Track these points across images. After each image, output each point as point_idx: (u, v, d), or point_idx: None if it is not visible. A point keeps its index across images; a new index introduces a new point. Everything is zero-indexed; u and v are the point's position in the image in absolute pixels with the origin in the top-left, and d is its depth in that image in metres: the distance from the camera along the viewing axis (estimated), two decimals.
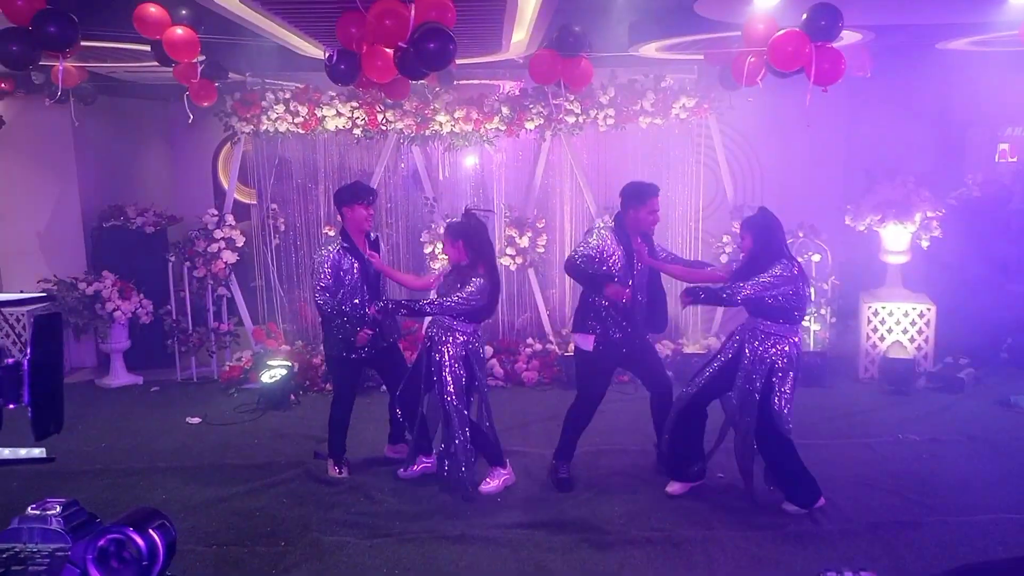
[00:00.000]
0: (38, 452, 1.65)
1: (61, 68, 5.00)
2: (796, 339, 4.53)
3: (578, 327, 4.96)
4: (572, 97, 7.13)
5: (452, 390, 4.73)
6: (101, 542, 1.25)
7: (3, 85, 7.50)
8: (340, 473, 5.18)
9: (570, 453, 5.07)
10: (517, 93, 7.56)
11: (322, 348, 5.80)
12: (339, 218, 5.27)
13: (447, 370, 4.72)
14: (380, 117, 7.26)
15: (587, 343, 4.87)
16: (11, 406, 1.30)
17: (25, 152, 7.89)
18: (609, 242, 4.80)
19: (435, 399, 4.83)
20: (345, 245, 4.99)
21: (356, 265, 4.98)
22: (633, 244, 4.85)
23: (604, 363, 4.95)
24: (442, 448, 4.92)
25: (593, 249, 4.79)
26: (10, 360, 1.28)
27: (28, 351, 1.29)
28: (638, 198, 4.84)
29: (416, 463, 5.16)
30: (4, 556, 1.26)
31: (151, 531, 1.29)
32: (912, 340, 7.14)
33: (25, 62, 4.49)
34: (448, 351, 4.73)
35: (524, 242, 7.52)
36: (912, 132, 7.81)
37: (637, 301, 4.86)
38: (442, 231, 4.98)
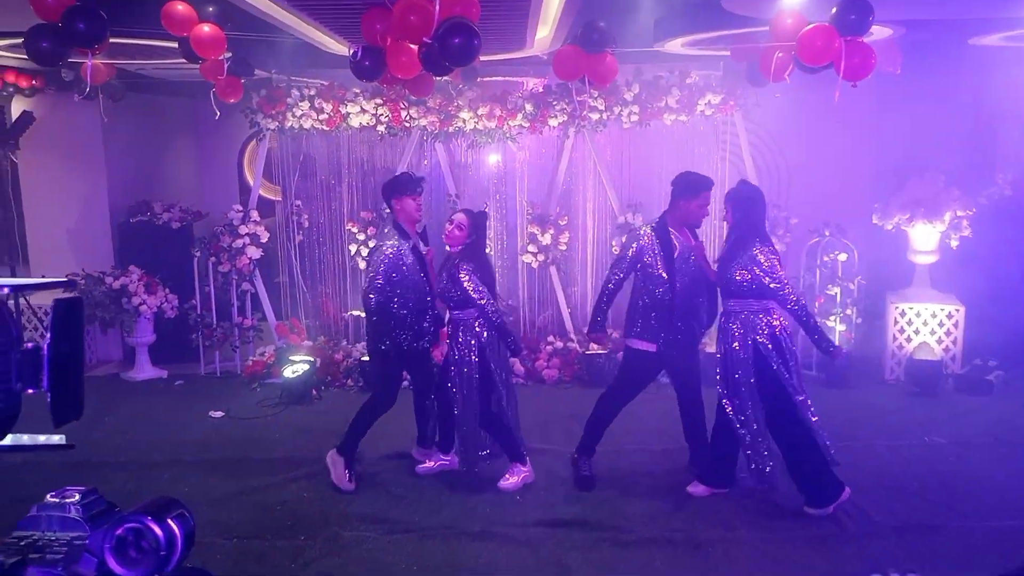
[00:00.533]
0: (58, 439, 1.65)
1: (90, 65, 5.06)
2: (774, 311, 4.47)
3: (636, 332, 4.84)
4: (596, 94, 7.09)
5: (458, 379, 4.80)
6: (119, 531, 1.24)
7: (34, 82, 7.63)
8: (350, 483, 4.96)
9: (592, 449, 5.04)
10: (541, 90, 7.54)
11: (365, 344, 5.73)
12: (387, 211, 5.23)
13: (457, 360, 4.80)
14: (404, 114, 7.28)
15: (649, 346, 4.79)
16: (30, 391, 1.30)
17: (55, 148, 8.01)
18: (646, 242, 4.76)
19: (457, 393, 4.86)
20: (403, 241, 4.86)
21: (413, 261, 4.84)
22: (683, 238, 4.77)
23: (655, 365, 4.91)
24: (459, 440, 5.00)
25: (627, 255, 4.80)
26: (30, 344, 1.27)
27: (48, 335, 1.29)
28: (692, 190, 4.76)
29: (435, 460, 5.16)
30: (22, 544, 1.26)
31: (169, 521, 1.28)
32: (940, 341, 7.03)
33: (55, 59, 4.56)
34: (464, 342, 4.80)
35: (546, 239, 7.49)
36: (943, 130, 7.67)
37: (689, 299, 4.74)
38: (458, 214, 4.95)
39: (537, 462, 5.08)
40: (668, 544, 4.17)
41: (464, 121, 7.31)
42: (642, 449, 5.46)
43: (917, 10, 5.49)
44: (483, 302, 4.73)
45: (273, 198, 8.55)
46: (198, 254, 7.55)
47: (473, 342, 4.80)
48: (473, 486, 4.92)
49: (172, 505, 1.32)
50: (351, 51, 4.95)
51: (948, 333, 7.02)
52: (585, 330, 5.19)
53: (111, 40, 4.78)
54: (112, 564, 1.24)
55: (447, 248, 4.93)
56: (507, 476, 4.91)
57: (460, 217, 4.88)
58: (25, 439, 1.56)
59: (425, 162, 7.82)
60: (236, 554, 4.16)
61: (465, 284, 4.70)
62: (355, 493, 4.90)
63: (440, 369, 5.12)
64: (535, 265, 7.62)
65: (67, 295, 1.46)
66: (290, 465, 5.34)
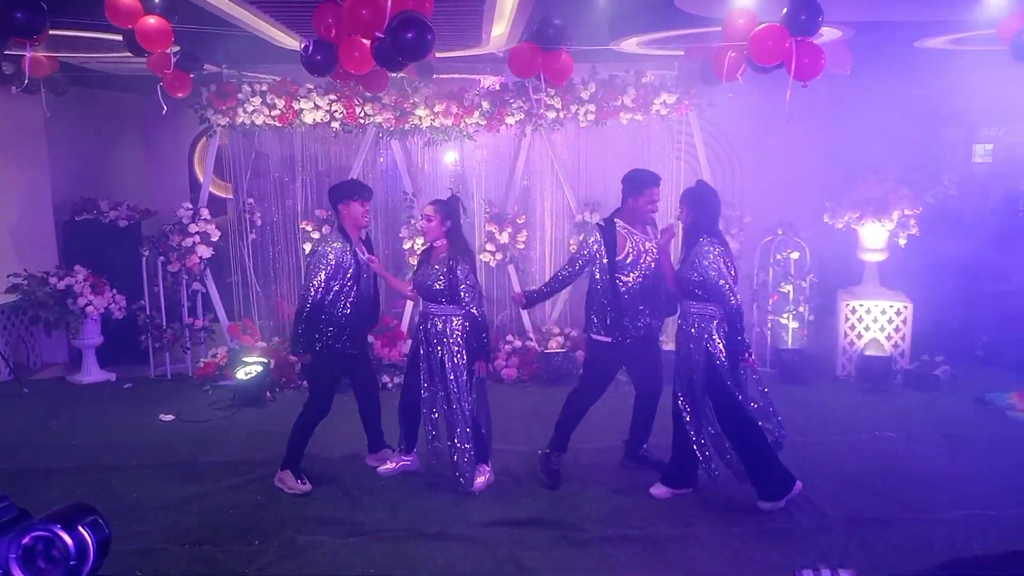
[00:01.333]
0: None
1: (29, 56, 4.87)
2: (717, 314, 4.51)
3: (594, 328, 4.87)
4: (553, 92, 7.08)
5: (456, 381, 4.71)
6: (26, 540, 1.17)
7: None
8: (304, 484, 4.88)
9: (564, 446, 5.04)
10: (498, 88, 7.51)
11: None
12: (330, 214, 5.18)
13: (452, 361, 4.72)
14: (358, 110, 7.18)
15: (606, 339, 4.82)
16: None
17: None
18: (592, 240, 4.82)
19: (435, 393, 4.79)
20: (345, 244, 4.81)
21: (353, 266, 4.81)
22: (639, 235, 4.81)
23: (616, 357, 4.94)
24: (435, 443, 4.88)
25: (583, 253, 4.86)
26: None
27: None
28: (637, 187, 4.81)
29: (396, 461, 5.10)
30: None
31: (81, 528, 1.20)
32: (889, 338, 7.18)
33: None
34: (450, 340, 4.73)
35: (504, 238, 7.47)
36: (891, 130, 7.85)
37: (645, 296, 4.80)
38: (425, 208, 4.92)
39: (496, 461, 5.05)
40: (626, 541, 4.18)
41: (420, 118, 7.25)
42: (599, 449, 5.45)
43: (865, 12, 5.59)
44: (474, 311, 4.72)
45: (224, 196, 8.36)
46: (147, 253, 7.34)
47: (461, 340, 4.74)
48: (430, 487, 4.87)
49: (85, 511, 1.24)
50: (302, 45, 4.86)
51: (897, 330, 7.18)
52: (523, 303, 5.19)
53: (52, 32, 4.63)
54: (17, 575, 1.16)
55: (424, 242, 4.95)
56: (476, 477, 4.85)
57: (427, 209, 4.87)
58: None
59: (381, 159, 7.74)
60: (188, 560, 4.06)
61: (462, 287, 4.66)
62: (311, 496, 4.81)
63: (408, 367, 5.04)
64: (493, 264, 7.59)
65: None
66: (243, 468, 5.23)
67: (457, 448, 4.73)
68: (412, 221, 7.40)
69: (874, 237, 7.22)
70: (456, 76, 8.01)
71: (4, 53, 4.73)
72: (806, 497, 4.60)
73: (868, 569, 3.90)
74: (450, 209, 4.83)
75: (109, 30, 5.13)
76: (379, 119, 7.23)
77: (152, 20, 4.96)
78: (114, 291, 7.31)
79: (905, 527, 4.32)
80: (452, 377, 4.71)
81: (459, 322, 4.74)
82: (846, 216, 7.14)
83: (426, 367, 4.81)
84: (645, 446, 5.19)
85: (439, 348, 4.75)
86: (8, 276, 7.08)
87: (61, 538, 1.16)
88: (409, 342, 5.89)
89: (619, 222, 4.82)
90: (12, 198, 7.80)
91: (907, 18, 5.76)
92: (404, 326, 7.49)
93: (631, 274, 4.75)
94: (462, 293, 4.68)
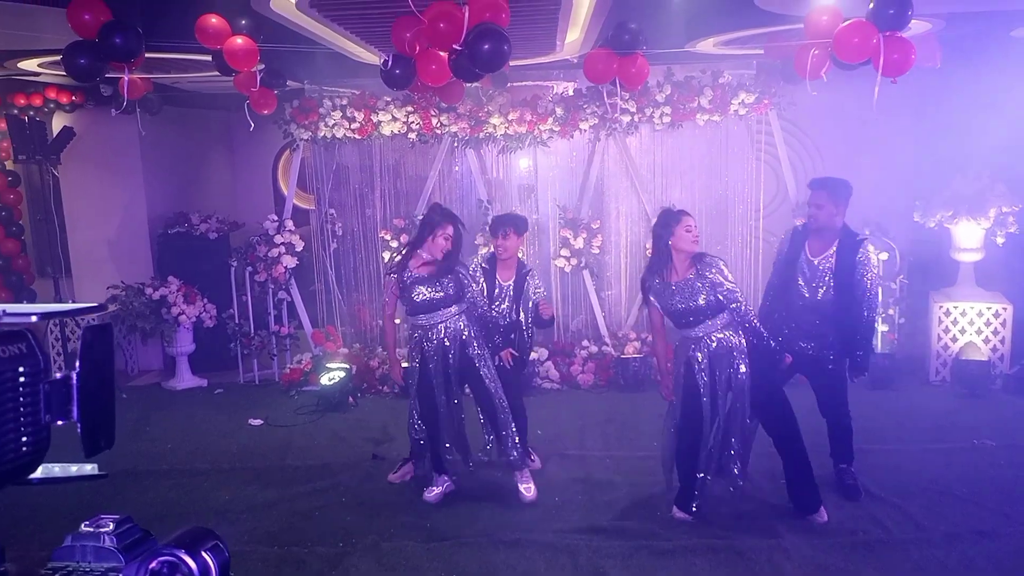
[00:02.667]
0: (90, 468, 1.61)
1: (127, 79, 5.13)
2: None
3: None
4: (627, 96, 7.03)
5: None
6: (153, 564, 1.22)
7: (74, 98, 7.80)
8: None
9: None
10: (571, 94, 7.50)
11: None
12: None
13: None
14: (435, 121, 7.30)
15: None
16: (60, 422, 1.27)
17: (94, 162, 8.17)
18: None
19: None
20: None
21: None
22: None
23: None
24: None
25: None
26: (59, 374, 1.25)
27: (77, 364, 1.26)
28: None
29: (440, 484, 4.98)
30: (57, 575, 1.25)
31: (204, 553, 1.25)
32: (987, 341, 6.84)
33: (93, 74, 4.64)
34: (480, 343, 4.78)
35: (579, 243, 7.45)
36: (985, 125, 7.47)
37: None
38: (505, 230, 5.00)
39: (573, 468, 5.04)
40: (709, 551, 4.09)
41: (495, 127, 7.30)
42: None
43: (958, 3, 5.35)
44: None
45: (307, 207, 8.62)
46: (235, 264, 7.64)
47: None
48: (507, 495, 4.88)
49: (207, 536, 1.29)
50: (382, 60, 4.97)
51: (995, 332, 6.83)
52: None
53: (147, 55, 4.86)
54: None
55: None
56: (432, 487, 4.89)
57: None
58: (56, 470, 1.54)
59: (456, 168, 7.83)
60: (276, 561, 4.18)
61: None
62: (391, 499, 4.90)
63: (429, 379, 4.92)
64: (568, 269, 7.57)
65: (96, 322, 1.40)
66: (328, 472, 5.36)
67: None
68: (487, 228, 7.44)
69: (969, 236, 6.89)
70: (529, 83, 8.04)
71: (104, 76, 4.98)
72: (900, 508, 4.42)
73: None
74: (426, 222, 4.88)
75: (199, 51, 5.36)
76: (454, 129, 7.32)
77: (239, 40, 5.15)
78: (205, 300, 7.62)
79: (1007, 541, 4.09)
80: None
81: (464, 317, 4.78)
82: (938, 215, 6.84)
83: (457, 375, 4.82)
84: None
85: (472, 349, 4.75)
86: (108, 288, 7.46)
87: (186, 563, 1.22)
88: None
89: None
90: (111, 213, 8.23)
91: (1001, 7, 5.48)
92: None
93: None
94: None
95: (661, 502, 4.71)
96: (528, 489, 4.82)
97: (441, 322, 4.72)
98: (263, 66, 5.78)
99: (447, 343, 4.71)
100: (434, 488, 4.86)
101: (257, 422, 6.56)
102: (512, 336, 5.06)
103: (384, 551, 4.22)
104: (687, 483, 4.46)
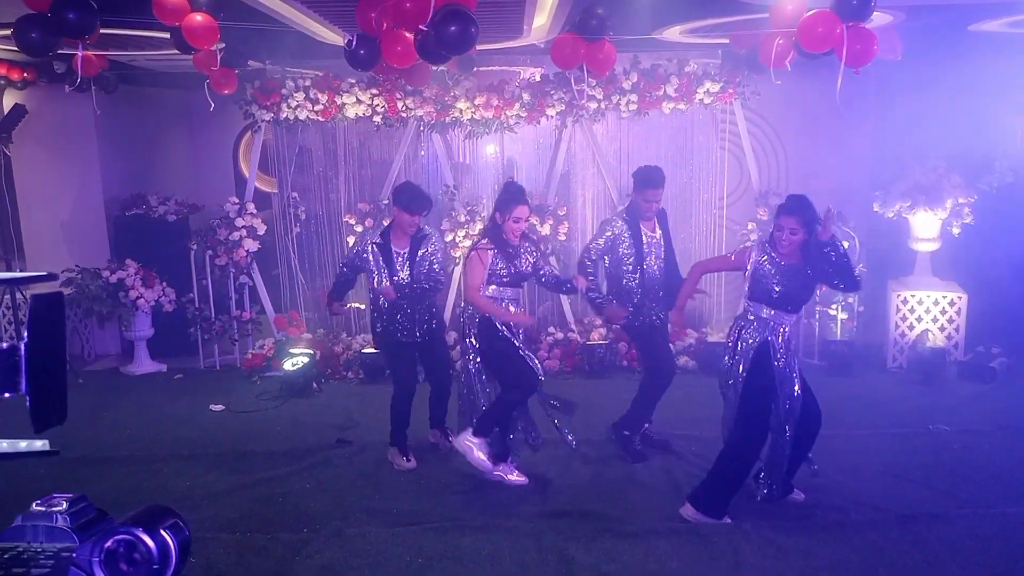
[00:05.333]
0: (40, 444, 1.52)
1: (81, 56, 4.98)
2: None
3: None
4: (594, 82, 7.03)
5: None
6: (108, 543, 1.17)
7: (25, 74, 7.55)
8: (409, 461, 5.14)
9: (639, 425, 5.23)
10: (538, 79, 7.47)
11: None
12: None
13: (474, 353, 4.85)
14: (400, 104, 7.21)
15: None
16: (7, 395, 1.21)
17: (48, 141, 7.94)
18: (619, 229, 5.02)
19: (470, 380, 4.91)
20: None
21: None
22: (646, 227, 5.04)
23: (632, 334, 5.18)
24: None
25: (603, 243, 5.06)
26: (4, 344, 1.19)
27: (25, 334, 1.20)
28: (638, 184, 5.03)
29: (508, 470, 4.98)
30: (6, 557, 1.18)
31: (163, 531, 1.20)
32: (942, 329, 7.01)
33: (45, 50, 4.48)
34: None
35: (545, 230, 7.44)
36: (943, 116, 7.62)
37: (652, 279, 5.06)
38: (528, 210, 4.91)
39: (539, 453, 5.05)
40: (672, 534, 4.14)
41: (461, 111, 7.25)
42: (643, 438, 5.42)
43: None
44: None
45: (269, 190, 8.48)
46: (195, 247, 7.49)
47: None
48: (476, 478, 4.88)
49: (166, 514, 1.24)
50: (346, 40, 4.89)
51: (951, 320, 7.00)
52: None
53: (102, 30, 4.71)
54: None
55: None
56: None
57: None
58: (4, 445, 1.46)
59: (422, 152, 7.76)
60: (239, 548, 4.12)
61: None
62: (355, 485, 4.87)
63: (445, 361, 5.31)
64: None
65: (47, 290, 1.34)
66: (291, 458, 5.31)
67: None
68: (453, 213, 7.41)
69: (926, 226, 7.04)
70: (496, 68, 7.99)
71: (56, 52, 4.82)
72: (857, 491, 4.51)
73: (922, 565, 3.82)
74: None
75: (157, 28, 5.22)
76: (420, 112, 7.25)
77: (199, 17, 5.02)
78: (164, 284, 7.47)
79: (960, 523, 4.19)
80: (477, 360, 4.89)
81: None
82: (897, 205, 6.97)
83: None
84: (647, 425, 5.31)
85: (469, 339, 4.86)
86: (62, 271, 7.27)
87: (144, 541, 1.17)
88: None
89: None
90: (65, 194, 8.01)
91: (962, 1, 5.58)
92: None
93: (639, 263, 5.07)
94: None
95: (625, 487, 4.75)
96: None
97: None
98: (223, 45, 5.65)
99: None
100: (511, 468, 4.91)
101: (218, 408, 6.47)
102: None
103: (348, 536, 4.19)
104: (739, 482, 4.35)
